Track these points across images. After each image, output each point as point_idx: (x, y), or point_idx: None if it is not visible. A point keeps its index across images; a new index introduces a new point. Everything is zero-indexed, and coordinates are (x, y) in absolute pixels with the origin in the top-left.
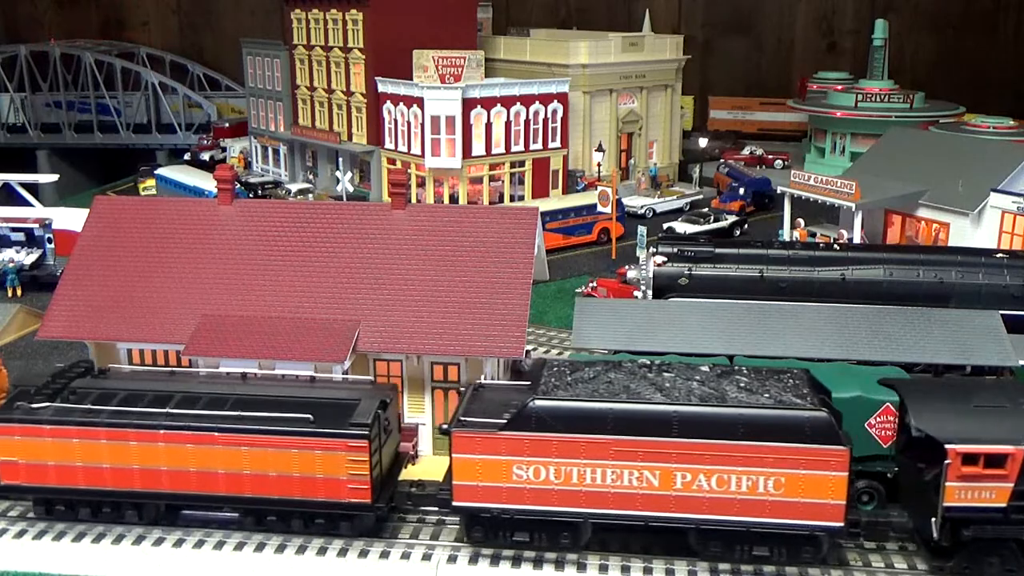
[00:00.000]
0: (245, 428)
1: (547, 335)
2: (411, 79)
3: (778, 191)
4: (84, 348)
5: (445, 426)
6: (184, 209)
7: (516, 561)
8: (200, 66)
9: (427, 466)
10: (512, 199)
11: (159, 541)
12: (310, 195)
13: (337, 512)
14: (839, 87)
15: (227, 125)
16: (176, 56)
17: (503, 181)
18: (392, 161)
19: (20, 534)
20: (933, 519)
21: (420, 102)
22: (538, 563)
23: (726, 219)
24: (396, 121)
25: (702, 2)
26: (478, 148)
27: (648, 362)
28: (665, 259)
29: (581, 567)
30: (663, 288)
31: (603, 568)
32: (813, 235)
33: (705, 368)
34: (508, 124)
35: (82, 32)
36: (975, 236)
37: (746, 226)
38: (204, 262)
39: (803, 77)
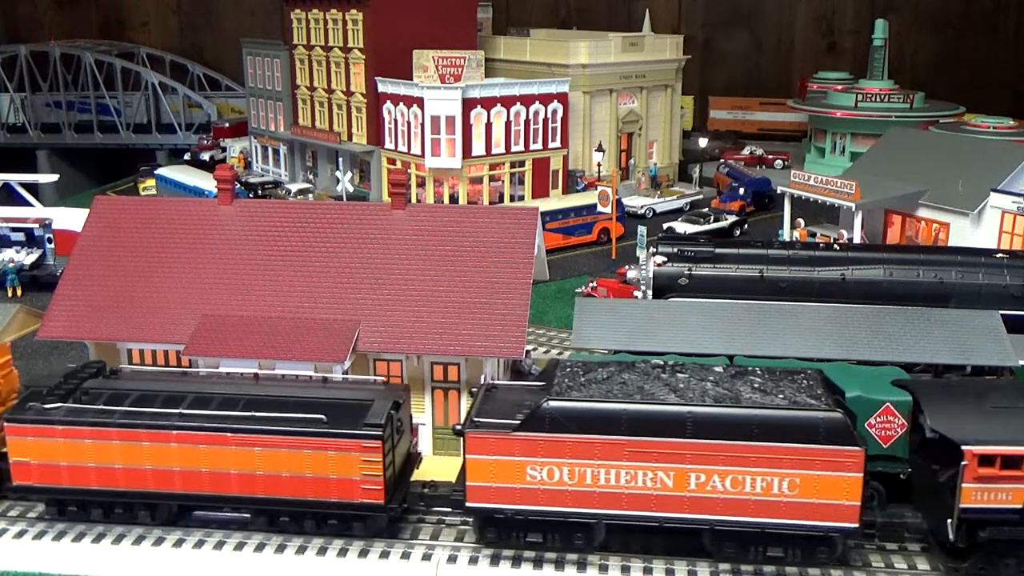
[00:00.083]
0: (258, 429)
1: (547, 335)
2: (411, 79)
3: (778, 191)
4: (84, 348)
5: (459, 427)
6: (184, 209)
7: (516, 561)
8: (200, 66)
9: (427, 466)
10: (512, 199)
11: (159, 541)
12: (310, 195)
13: (350, 513)
14: (839, 87)
15: (227, 125)
16: (176, 56)
17: (503, 181)
18: (392, 161)
19: (20, 534)
20: (949, 520)
21: (420, 102)
22: (538, 563)
23: (726, 219)
24: (396, 121)
25: (702, 2)
26: (478, 148)
27: (662, 363)
28: (665, 259)
29: (581, 567)
30: (663, 288)
31: (603, 568)
32: (813, 235)
33: (719, 369)
34: (508, 124)
35: (82, 32)
36: (975, 236)
37: (746, 226)
38: (204, 262)
39: (803, 77)
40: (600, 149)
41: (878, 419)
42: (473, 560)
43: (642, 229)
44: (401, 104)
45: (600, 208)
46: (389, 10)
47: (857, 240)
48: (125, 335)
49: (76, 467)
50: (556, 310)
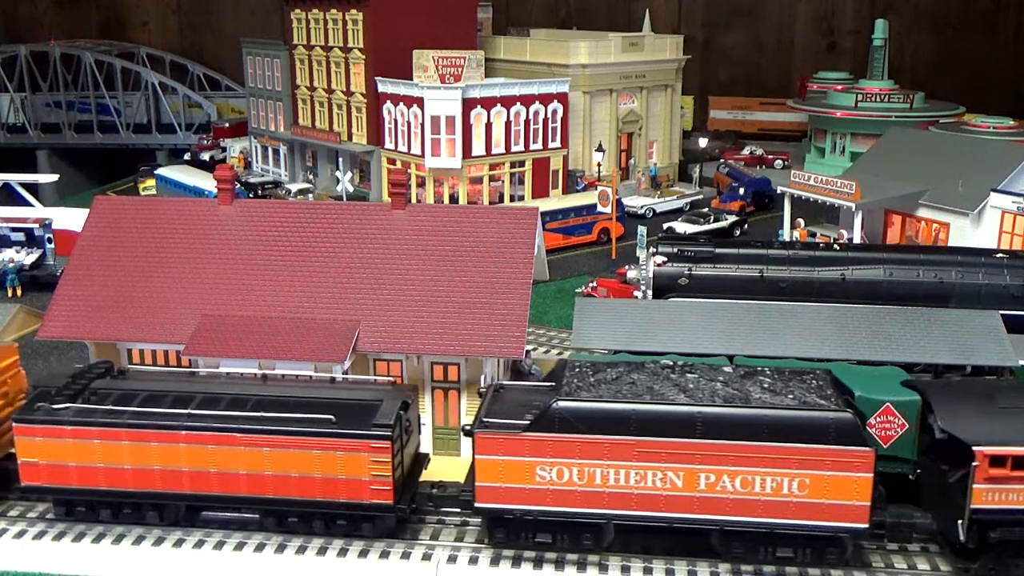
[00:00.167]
0: (267, 429)
1: (547, 335)
2: (411, 79)
3: (778, 191)
4: (84, 348)
5: (468, 427)
6: (184, 209)
7: (516, 561)
8: (200, 66)
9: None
10: (512, 199)
11: (159, 541)
12: (310, 195)
13: (359, 513)
14: (839, 87)
15: (227, 125)
16: (176, 56)
17: (503, 181)
18: (392, 161)
19: (20, 534)
20: (960, 521)
21: (420, 102)
22: (538, 563)
23: (726, 219)
24: (396, 121)
25: (702, 2)
26: (478, 148)
27: (671, 363)
28: (665, 259)
29: (581, 567)
30: (663, 288)
31: (603, 568)
32: (813, 235)
33: (728, 369)
34: (508, 124)
35: (82, 32)
36: (975, 236)
37: (746, 226)
38: (204, 262)
39: (803, 77)
40: (600, 149)
41: (878, 419)
42: (473, 560)
43: (642, 229)
44: (401, 104)
45: (600, 208)
46: (389, 10)
47: (857, 240)
48: (125, 335)
49: (85, 467)
50: (556, 310)
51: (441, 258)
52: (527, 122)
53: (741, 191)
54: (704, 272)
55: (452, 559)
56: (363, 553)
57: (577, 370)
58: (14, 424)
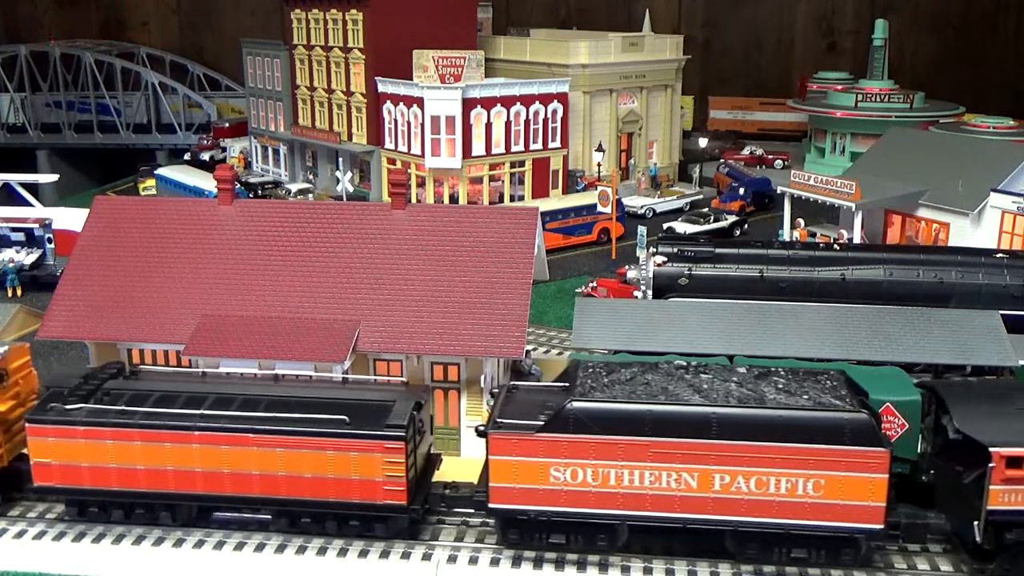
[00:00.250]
0: (280, 430)
1: (547, 335)
2: (411, 79)
3: (778, 191)
4: (84, 348)
5: (482, 427)
6: (184, 209)
7: (516, 561)
8: (200, 66)
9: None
10: (512, 199)
11: (159, 541)
12: (310, 195)
13: (372, 514)
14: (839, 87)
15: (227, 125)
16: (176, 56)
17: (503, 181)
18: (392, 161)
19: (20, 534)
20: (976, 522)
21: (420, 102)
22: (538, 563)
23: (726, 219)
24: (396, 121)
25: (702, 2)
26: (478, 148)
27: (685, 363)
28: (665, 259)
29: (581, 567)
30: (663, 288)
31: (603, 568)
32: (813, 235)
33: (742, 369)
34: (508, 124)
35: (82, 32)
36: (975, 236)
37: (746, 226)
38: (204, 262)
39: (803, 77)
40: (600, 149)
41: None
42: (473, 560)
43: (642, 229)
44: (401, 104)
45: (600, 208)
46: (389, 10)
47: (857, 240)
48: (125, 335)
49: (97, 468)
50: (556, 310)
51: (441, 258)
52: (527, 122)
53: (741, 191)
54: (704, 272)
55: (452, 559)
56: (363, 553)
57: (591, 370)
58: (27, 424)
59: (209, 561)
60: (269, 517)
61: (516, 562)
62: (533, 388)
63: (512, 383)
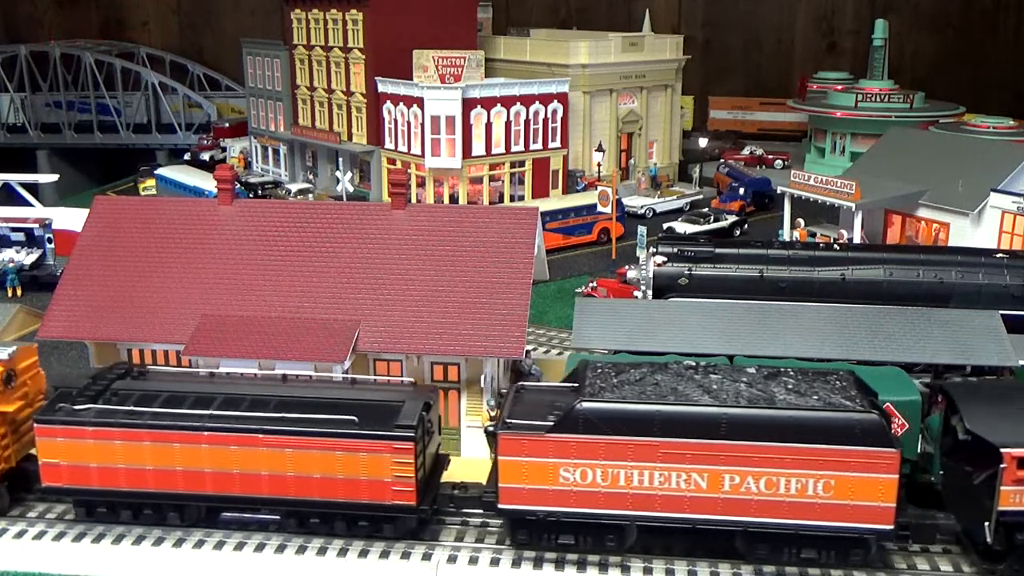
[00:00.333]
0: (289, 430)
1: (547, 335)
2: (411, 79)
3: (778, 191)
4: (84, 348)
5: (491, 428)
6: (184, 209)
7: (516, 562)
8: (200, 66)
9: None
10: (512, 199)
11: (159, 541)
12: (310, 195)
13: (381, 514)
14: (839, 87)
15: (227, 125)
16: (176, 56)
17: (503, 181)
18: (392, 161)
19: (20, 534)
20: (987, 523)
21: (420, 102)
22: (538, 563)
23: (726, 219)
24: (396, 121)
25: (702, 2)
26: (478, 148)
27: (694, 363)
28: (665, 259)
29: (581, 566)
30: (663, 288)
31: (603, 567)
32: (813, 235)
33: (752, 370)
34: (508, 124)
35: (82, 32)
36: (975, 236)
37: (746, 226)
38: (204, 262)
39: (803, 77)
40: (600, 149)
41: None
42: (473, 560)
43: (642, 229)
44: (401, 104)
45: (600, 208)
46: (389, 10)
47: (857, 240)
48: (125, 335)
49: (106, 468)
50: (556, 310)
51: (441, 258)
52: (527, 122)
53: (741, 191)
54: (704, 272)
55: (452, 559)
56: (363, 553)
57: (600, 371)
58: (35, 425)
59: (209, 561)
60: (278, 518)
61: (516, 562)
62: (542, 388)
63: (521, 383)
